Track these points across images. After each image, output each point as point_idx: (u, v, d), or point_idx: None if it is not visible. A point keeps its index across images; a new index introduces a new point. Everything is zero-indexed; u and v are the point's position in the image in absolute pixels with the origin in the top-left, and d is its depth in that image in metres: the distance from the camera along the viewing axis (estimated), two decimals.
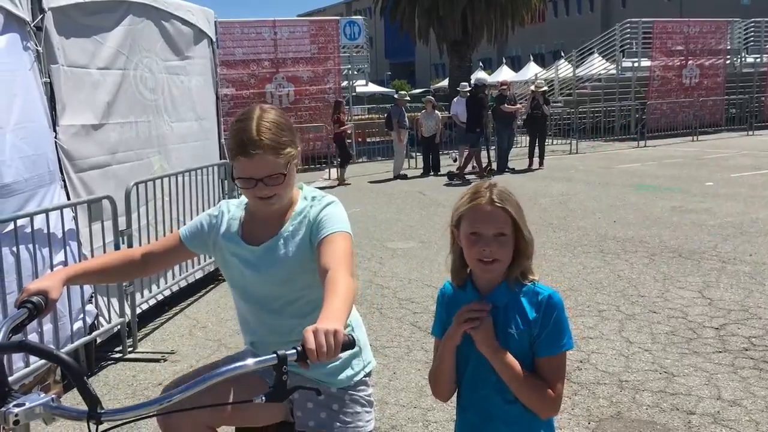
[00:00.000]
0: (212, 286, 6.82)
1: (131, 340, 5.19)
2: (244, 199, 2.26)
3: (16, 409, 1.46)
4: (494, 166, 15.43)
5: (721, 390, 4.07)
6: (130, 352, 5.10)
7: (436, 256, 7.68)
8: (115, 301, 5.11)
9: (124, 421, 1.50)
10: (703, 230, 8.32)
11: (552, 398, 1.84)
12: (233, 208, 2.27)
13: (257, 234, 2.18)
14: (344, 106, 15.94)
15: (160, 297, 5.80)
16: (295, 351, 1.53)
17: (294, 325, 2.12)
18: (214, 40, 7.49)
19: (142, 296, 5.47)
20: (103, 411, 1.46)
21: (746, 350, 4.64)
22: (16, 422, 1.46)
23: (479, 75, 32.41)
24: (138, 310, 5.34)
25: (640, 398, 4.01)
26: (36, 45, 4.35)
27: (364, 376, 2.27)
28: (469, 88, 15.39)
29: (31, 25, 4.31)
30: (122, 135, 5.49)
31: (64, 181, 4.58)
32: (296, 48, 18.35)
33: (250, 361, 1.53)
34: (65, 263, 4.39)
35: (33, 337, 4.09)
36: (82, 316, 4.60)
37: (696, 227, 8.50)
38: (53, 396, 1.51)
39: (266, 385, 2.11)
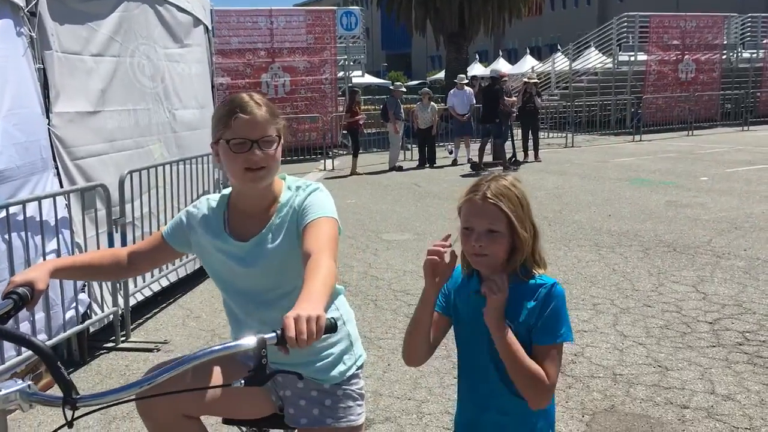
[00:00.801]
0: (206, 276, 6.78)
1: (124, 329, 5.16)
2: (225, 191, 2.22)
3: None
4: (519, 156, 15.33)
5: (715, 384, 4.07)
6: (123, 342, 5.08)
7: None
8: (108, 291, 5.08)
9: (101, 406, 1.48)
10: (697, 225, 8.32)
11: (545, 387, 1.82)
12: (215, 204, 2.22)
13: (243, 229, 2.13)
14: (359, 96, 15.90)
15: (155, 286, 5.76)
16: (274, 334, 1.50)
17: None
18: (210, 28, 7.44)
19: (136, 285, 5.44)
20: (78, 396, 1.45)
21: (740, 345, 4.65)
22: None
23: (476, 67, 32.41)
24: (132, 301, 5.31)
25: (633, 392, 4.01)
26: (29, 31, 4.31)
27: (356, 370, 2.25)
28: (466, 80, 15.34)
29: (25, 10, 4.26)
30: (120, 122, 5.45)
31: (57, 168, 4.54)
32: (292, 38, 18.25)
33: (217, 346, 1.52)
34: (58, 252, 4.36)
35: (25, 326, 4.07)
36: (74, 305, 4.57)
37: (691, 222, 8.51)
38: (30, 383, 1.50)
39: (247, 371, 2.10)
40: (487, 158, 14.93)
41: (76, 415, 1.45)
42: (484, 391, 1.91)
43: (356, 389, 2.24)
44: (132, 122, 5.63)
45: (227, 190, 2.23)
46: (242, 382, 1.49)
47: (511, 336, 1.81)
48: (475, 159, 14.61)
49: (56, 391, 1.51)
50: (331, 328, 1.58)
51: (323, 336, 1.55)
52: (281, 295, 2.11)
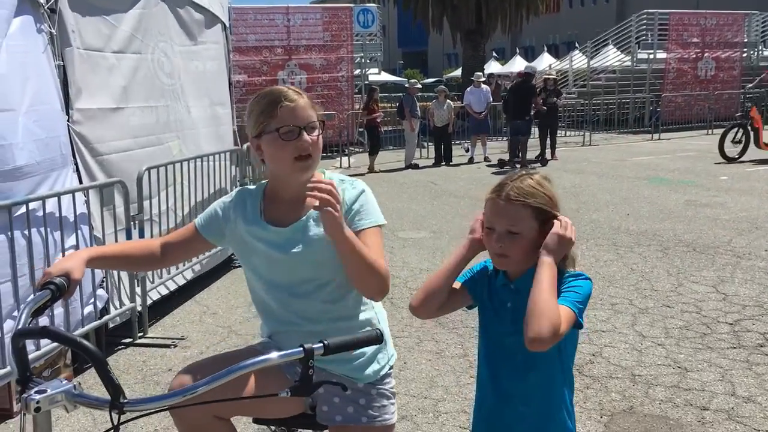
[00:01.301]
0: (223, 272, 6.81)
1: (142, 325, 5.18)
2: (262, 182, 2.23)
3: (38, 396, 1.43)
4: (548, 154, 15.23)
5: (736, 386, 4.02)
6: (140, 338, 5.11)
7: (447, 246, 7.64)
8: (125, 287, 5.10)
9: (147, 411, 1.47)
10: (717, 224, 8.23)
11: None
12: (251, 194, 2.21)
13: (281, 217, 2.12)
14: (377, 93, 15.91)
15: (171, 283, 5.78)
16: (321, 345, 1.51)
17: (325, 309, 2.10)
18: (227, 25, 7.46)
19: (153, 282, 5.46)
20: (126, 401, 1.43)
21: (761, 346, 4.59)
22: (37, 409, 1.43)
23: (493, 65, 32.27)
24: (149, 300, 5.33)
25: (653, 393, 3.97)
26: (50, 27, 4.33)
27: (389, 369, 2.25)
28: (483, 78, 15.27)
29: (45, 7, 4.28)
30: (142, 119, 5.48)
31: (76, 164, 4.56)
32: (309, 35, 18.27)
33: (274, 354, 1.52)
34: (77, 247, 4.38)
35: (43, 321, 4.09)
36: (93, 300, 4.59)
37: (710, 221, 8.42)
38: (75, 383, 1.48)
39: (285, 377, 2.09)
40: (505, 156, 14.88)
41: (122, 419, 1.44)
42: (507, 380, 1.90)
43: (389, 388, 2.24)
44: (153, 119, 5.65)
45: (264, 182, 2.23)
46: (288, 392, 1.49)
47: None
48: (504, 157, 14.55)
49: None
50: (376, 339, 1.62)
51: (366, 348, 1.61)
52: (318, 286, 2.10)
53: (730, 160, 13.67)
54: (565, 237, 1.83)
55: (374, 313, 2.23)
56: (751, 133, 13.89)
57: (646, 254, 7.00)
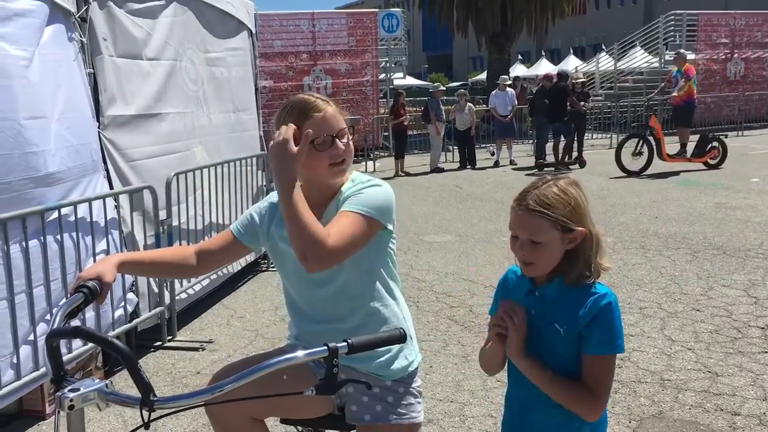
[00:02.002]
0: (250, 276, 6.86)
1: (171, 329, 5.25)
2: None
3: (72, 394, 1.47)
4: (584, 156, 15.03)
5: (767, 391, 3.96)
6: (169, 341, 5.17)
7: (472, 249, 7.62)
8: (155, 290, 5.17)
9: (177, 409, 1.51)
10: (748, 227, 8.11)
11: (590, 400, 1.78)
12: None
13: None
14: (404, 97, 15.96)
15: (198, 287, 5.84)
16: (346, 344, 1.54)
17: (351, 307, 2.14)
18: (253, 32, 7.53)
19: (182, 286, 5.53)
20: (155, 399, 1.47)
21: None
22: (71, 407, 1.47)
23: (518, 68, 32.12)
24: (179, 300, 5.39)
25: (682, 398, 3.92)
26: (80, 36, 4.41)
27: (415, 368, 2.27)
28: (509, 81, 15.20)
29: (76, 16, 4.37)
30: (173, 125, 5.56)
31: (107, 170, 4.64)
32: (334, 40, 18.35)
33: (300, 353, 1.54)
34: (107, 252, 4.46)
35: (75, 324, 4.16)
36: (123, 304, 4.66)
37: (741, 224, 8.29)
38: (107, 382, 1.52)
39: (314, 376, 2.12)
40: (543, 158, 14.80)
41: (152, 417, 1.48)
42: (531, 390, 1.89)
43: (416, 387, 2.26)
44: (181, 125, 5.74)
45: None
46: (313, 390, 1.51)
47: (534, 365, 1.82)
48: (548, 159, 14.52)
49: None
50: (400, 338, 1.66)
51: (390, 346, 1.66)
52: (343, 284, 2.13)
53: (631, 173, 12.65)
54: (508, 348, 1.85)
55: (399, 310, 2.25)
56: (654, 144, 12.75)
57: (675, 257, 6.92)
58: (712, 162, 13.06)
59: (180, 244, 5.31)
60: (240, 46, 7.09)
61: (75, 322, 3.57)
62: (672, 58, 13.90)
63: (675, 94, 13.41)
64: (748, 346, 4.63)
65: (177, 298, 5.36)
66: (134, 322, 4.81)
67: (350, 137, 2.12)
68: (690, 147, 13.29)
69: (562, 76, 14.93)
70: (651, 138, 12.75)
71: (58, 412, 1.49)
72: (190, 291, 5.72)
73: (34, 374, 3.84)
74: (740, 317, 5.16)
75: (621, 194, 10.77)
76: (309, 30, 18.07)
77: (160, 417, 1.50)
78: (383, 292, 2.19)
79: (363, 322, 2.15)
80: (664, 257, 6.95)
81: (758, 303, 5.45)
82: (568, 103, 14.32)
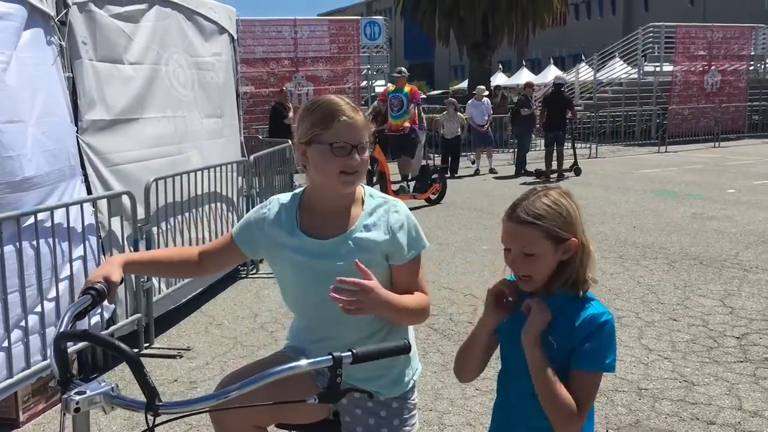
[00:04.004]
0: (229, 283, 6.82)
1: (148, 336, 5.19)
2: (297, 191, 2.23)
3: (78, 397, 1.48)
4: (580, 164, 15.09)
5: (742, 400, 4.00)
6: (146, 348, 5.12)
7: (452, 258, 7.64)
8: (132, 298, 5.12)
9: (181, 414, 1.51)
10: (724, 238, 8.21)
11: (573, 416, 1.76)
12: (286, 203, 2.20)
13: (318, 227, 2.12)
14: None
15: (176, 294, 5.79)
16: (350, 353, 1.55)
17: (358, 319, 2.03)
18: (235, 37, 7.51)
19: (159, 293, 5.48)
20: (161, 403, 1.47)
21: None
22: (77, 410, 1.47)
23: (499, 77, 32.33)
24: (155, 313, 5.34)
25: (659, 407, 3.95)
26: (59, 40, 4.37)
27: (414, 383, 2.27)
28: (486, 92, 15.23)
29: (55, 19, 4.33)
30: (160, 129, 5.53)
31: (85, 175, 4.59)
32: (316, 47, 18.39)
33: (304, 362, 1.55)
34: (84, 258, 4.41)
35: (52, 331, 4.11)
36: (100, 311, 4.61)
37: (717, 234, 8.40)
38: (113, 385, 1.53)
39: (315, 384, 2.11)
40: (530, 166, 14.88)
41: (157, 422, 1.48)
42: (516, 404, 1.88)
43: (411, 401, 2.25)
44: (171, 129, 5.71)
45: (299, 190, 2.23)
46: (316, 399, 1.52)
47: (544, 359, 1.77)
48: (541, 168, 14.59)
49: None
50: (405, 349, 1.67)
51: (395, 364, 1.79)
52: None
53: None
54: (526, 332, 1.79)
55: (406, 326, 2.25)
56: (375, 178, 11.07)
57: (652, 267, 6.99)
58: (433, 197, 11.41)
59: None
60: (222, 51, 7.06)
61: (89, 321, 3.53)
62: (399, 75, 11.85)
63: (395, 121, 11.53)
64: (723, 355, 4.68)
65: (154, 304, 5.30)
66: (111, 329, 4.76)
67: (370, 152, 2.11)
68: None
69: (558, 84, 14.91)
70: (373, 170, 10.83)
71: (64, 414, 1.50)
72: (168, 297, 5.67)
73: (8, 381, 3.77)
74: (716, 327, 5.22)
75: (600, 204, 10.86)
76: (291, 36, 18.08)
77: (165, 422, 1.52)
78: None
79: (371, 332, 2.15)
80: (642, 267, 7.01)
81: (734, 313, 5.52)
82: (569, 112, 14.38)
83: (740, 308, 5.62)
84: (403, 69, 12.32)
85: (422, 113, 12.04)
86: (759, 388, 4.16)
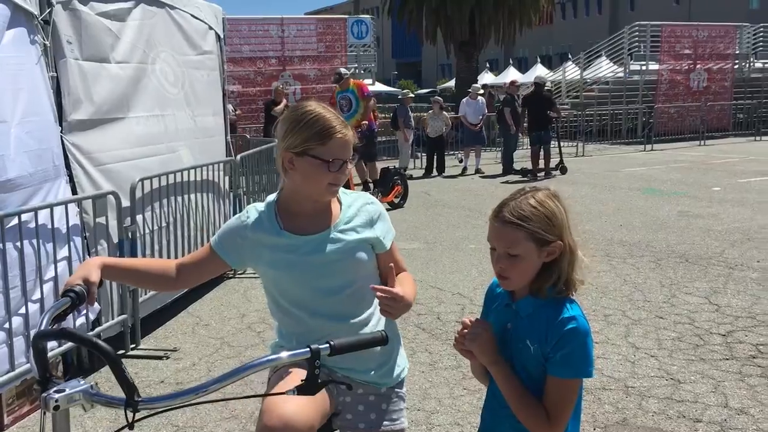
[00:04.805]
0: (216, 284, 6.78)
1: (134, 337, 5.16)
2: (270, 197, 2.26)
3: (57, 395, 1.48)
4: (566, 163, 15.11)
5: (728, 398, 4.03)
6: (132, 349, 5.08)
7: (440, 257, 7.64)
8: (118, 299, 5.08)
9: (161, 409, 1.52)
10: (710, 235, 8.26)
11: (545, 423, 1.75)
12: (263, 209, 2.23)
13: (304, 227, 2.17)
14: (374, 103, 15.94)
15: (162, 294, 5.75)
16: (327, 345, 1.57)
17: (348, 312, 2.17)
18: (221, 36, 7.47)
19: (146, 293, 5.44)
20: (140, 399, 1.48)
21: (753, 358, 4.60)
22: (56, 407, 1.48)
23: (487, 76, 32.38)
24: (141, 314, 5.31)
25: (646, 405, 3.97)
26: (43, 39, 4.33)
27: (405, 373, 2.35)
28: (481, 90, 15.23)
29: (39, 18, 4.28)
30: (149, 128, 5.49)
31: (70, 175, 4.55)
32: (303, 46, 18.33)
33: (283, 354, 1.57)
34: (69, 259, 4.37)
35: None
36: (85, 312, 4.57)
37: (703, 232, 8.45)
38: (92, 383, 1.54)
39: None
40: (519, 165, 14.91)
41: (136, 418, 1.49)
42: (501, 401, 1.87)
43: (404, 391, 2.33)
44: (162, 128, 5.68)
45: (271, 196, 2.27)
46: (295, 391, 1.54)
47: (506, 372, 1.80)
48: (529, 167, 14.62)
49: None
50: (382, 340, 1.70)
51: (390, 354, 1.97)
52: (340, 289, 2.15)
53: None
54: (474, 350, 1.83)
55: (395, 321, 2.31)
56: None
57: (639, 265, 7.02)
58: (396, 200, 11.14)
59: (146, 254, 5.25)
60: (209, 50, 7.03)
61: (74, 322, 3.52)
62: (340, 75, 11.54)
63: (348, 122, 11.36)
64: (709, 353, 4.70)
65: (140, 305, 5.27)
66: (96, 330, 4.72)
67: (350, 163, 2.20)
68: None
69: (539, 84, 14.97)
70: None
71: (44, 412, 1.51)
72: (154, 298, 5.63)
73: None
74: (702, 324, 5.25)
75: (587, 202, 10.90)
76: (278, 35, 18.02)
77: (145, 417, 1.52)
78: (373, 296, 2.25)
79: (360, 325, 2.18)
80: (629, 265, 7.05)
81: (719, 310, 5.56)
82: (552, 112, 14.44)
83: (726, 306, 5.66)
84: (343, 69, 12.08)
85: (375, 107, 11.68)
86: (745, 385, 4.19)
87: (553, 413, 1.76)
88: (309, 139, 2.09)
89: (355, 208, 2.22)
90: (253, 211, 2.24)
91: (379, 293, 2.01)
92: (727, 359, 4.59)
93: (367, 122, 11.29)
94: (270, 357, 1.57)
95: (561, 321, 1.77)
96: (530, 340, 1.79)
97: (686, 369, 4.45)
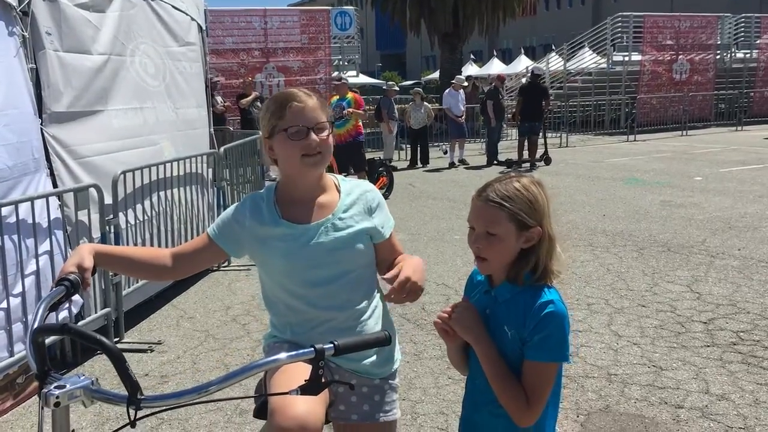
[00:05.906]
0: (200, 276, 6.76)
1: (118, 330, 5.13)
2: (269, 186, 2.25)
3: (57, 391, 1.45)
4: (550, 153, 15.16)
5: (710, 384, 4.07)
6: (116, 343, 5.06)
7: (425, 248, 7.66)
8: (101, 292, 5.05)
9: (164, 407, 1.51)
10: (691, 224, 8.34)
11: (524, 406, 1.77)
12: (262, 198, 2.22)
13: (303, 216, 2.15)
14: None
15: (146, 287, 5.73)
16: (332, 345, 1.56)
17: (347, 299, 2.17)
18: (203, 28, 7.42)
19: (129, 286, 5.41)
20: (143, 397, 1.47)
21: (734, 344, 4.65)
22: (56, 404, 1.45)
23: (471, 68, 32.40)
24: (125, 307, 5.28)
25: (628, 392, 4.01)
26: (22, 30, 4.28)
27: (399, 364, 2.35)
28: (465, 83, 15.22)
29: (17, 10, 4.23)
30: (127, 121, 5.44)
31: (50, 168, 4.51)
32: (287, 37, 18.25)
33: (284, 354, 1.56)
34: (51, 253, 4.34)
35: (18, 327, 4.04)
36: (68, 305, 4.54)
37: (685, 221, 8.53)
38: (93, 379, 1.51)
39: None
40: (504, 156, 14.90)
41: (138, 416, 1.47)
42: (480, 388, 1.89)
43: (396, 382, 2.32)
44: (141, 120, 5.63)
45: (271, 184, 2.26)
46: (298, 391, 1.53)
47: (491, 350, 1.81)
48: (513, 157, 14.64)
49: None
50: (386, 340, 1.69)
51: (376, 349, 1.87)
52: (340, 275, 2.15)
53: None
54: (455, 327, 1.86)
55: (387, 309, 2.35)
56: None
57: (621, 254, 7.08)
58: (381, 191, 11.67)
59: (129, 244, 5.21)
60: (190, 41, 6.98)
61: (56, 316, 3.46)
62: (339, 82, 11.33)
63: (339, 130, 10.40)
64: (691, 340, 4.76)
65: (124, 298, 5.24)
66: (80, 323, 4.69)
67: (330, 132, 2.15)
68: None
69: (536, 75, 14.99)
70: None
71: (43, 408, 1.47)
72: (138, 291, 5.61)
73: None
74: (684, 312, 5.31)
75: (570, 193, 10.96)
76: (261, 27, 17.93)
77: (147, 416, 1.50)
78: (372, 283, 2.28)
79: (359, 314, 2.19)
80: (611, 254, 7.10)
81: (701, 298, 5.61)
82: (544, 103, 14.48)
83: (707, 294, 5.72)
84: (343, 75, 12.08)
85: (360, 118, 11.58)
86: (725, 371, 4.24)
87: (531, 398, 1.77)
88: (271, 117, 2.11)
89: (354, 196, 2.21)
90: (250, 201, 2.23)
91: (383, 277, 2.04)
92: (709, 346, 4.64)
93: (354, 133, 11.10)
94: (273, 357, 1.55)
95: (539, 305, 1.78)
96: (507, 326, 1.81)
97: (668, 356, 4.50)
